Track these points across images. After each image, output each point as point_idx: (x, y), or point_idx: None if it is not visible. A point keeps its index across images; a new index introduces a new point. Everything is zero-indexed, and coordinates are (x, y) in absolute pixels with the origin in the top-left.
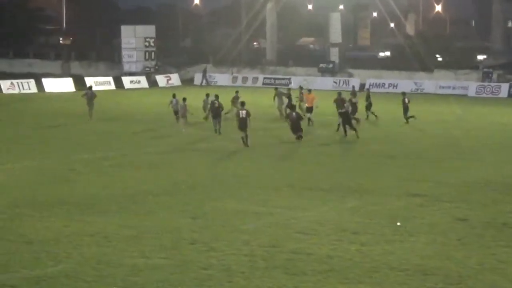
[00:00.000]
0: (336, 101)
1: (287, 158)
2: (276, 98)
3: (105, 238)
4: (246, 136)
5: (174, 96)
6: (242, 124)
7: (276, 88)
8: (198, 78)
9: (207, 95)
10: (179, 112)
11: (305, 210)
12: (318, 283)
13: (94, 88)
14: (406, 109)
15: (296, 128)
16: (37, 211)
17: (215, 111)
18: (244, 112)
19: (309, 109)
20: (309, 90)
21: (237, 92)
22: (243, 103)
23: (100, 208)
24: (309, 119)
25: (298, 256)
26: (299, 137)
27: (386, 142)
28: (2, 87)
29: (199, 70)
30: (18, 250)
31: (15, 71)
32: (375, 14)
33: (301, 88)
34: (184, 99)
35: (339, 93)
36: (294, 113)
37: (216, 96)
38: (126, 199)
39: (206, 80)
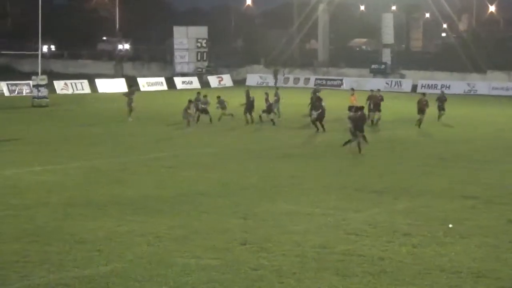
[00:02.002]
0: (311, 99)
1: (338, 159)
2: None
3: (157, 238)
4: (361, 138)
5: (198, 94)
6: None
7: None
8: (250, 79)
9: (198, 93)
10: (184, 114)
11: (357, 212)
12: (369, 285)
13: (146, 89)
14: (421, 110)
15: (357, 128)
16: (89, 210)
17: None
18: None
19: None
20: (352, 89)
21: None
22: (360, 108)
23: (151, 208)
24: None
25: (349, 257)
26: (363, 137)
27: (437, 144)
28: (56, 87)
29: (251, 71)
30: (71, 249)
31: (69, 72)
32: (427, 14)
33: (352, 90)
34: (190, 101)
35: (314, 91)
36: (359, 112)
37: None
38: (178, 200)
39: (277, 80)
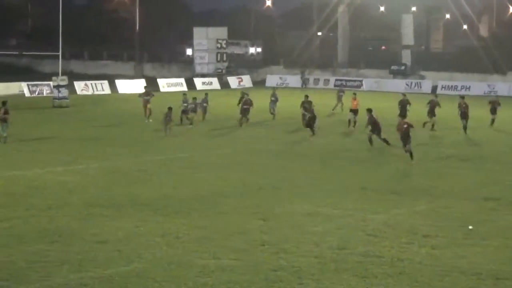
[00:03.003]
0: (303, 104)
1: (358, 160)
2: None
3: (176, 238)
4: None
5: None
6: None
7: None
8: (270, 80)
9: (185, 94)
10: (164, 120)
11: (376, 213)
12: (388, 286)
13: (166, 90)
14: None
15: (405, 139)
16: (110, 211)
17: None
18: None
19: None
20: (354, 94)
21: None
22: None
23: (171, 209)
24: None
25: (369, 258)
26: (408, 151)
27: (460, 145)
28: (76, 88)
29: (270, 72)
30: (91, 250)
31: (89, 72)
32: (448, 15)
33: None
34: (170, 108)
35: (307, 96)
36: (405, 124)
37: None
38: (197, 200)
39: (304, 82)
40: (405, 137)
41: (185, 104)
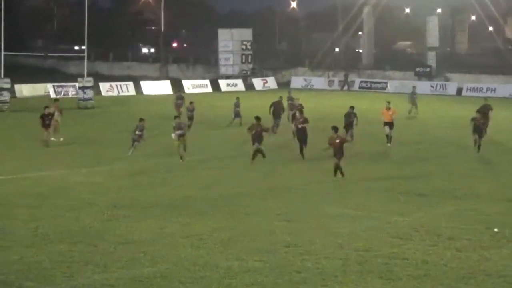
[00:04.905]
0: (273, 104)
1: (383, 162)
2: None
3: (201, 240)
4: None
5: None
6: None
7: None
8: (295, 82)
9: (237, 98)
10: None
11: (401, 215)
12: None
13: (191, 91)
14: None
15: (339, 154)
16: (134, 212)
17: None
18: None
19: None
20: (388, 102)
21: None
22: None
23: (195, 210)
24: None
25: (393, 260)
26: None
27: (485, 147)
28: (101, 89)
29: (295, 73)
30: (115, 250)
31: (114, 74)
32: (473, 17)
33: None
34: (141, 119)
35: (286, 96)
36: (338, 139)
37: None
38: (222, 202)
39: (348, 85)
40: (340, 151)
41: (238, 109)
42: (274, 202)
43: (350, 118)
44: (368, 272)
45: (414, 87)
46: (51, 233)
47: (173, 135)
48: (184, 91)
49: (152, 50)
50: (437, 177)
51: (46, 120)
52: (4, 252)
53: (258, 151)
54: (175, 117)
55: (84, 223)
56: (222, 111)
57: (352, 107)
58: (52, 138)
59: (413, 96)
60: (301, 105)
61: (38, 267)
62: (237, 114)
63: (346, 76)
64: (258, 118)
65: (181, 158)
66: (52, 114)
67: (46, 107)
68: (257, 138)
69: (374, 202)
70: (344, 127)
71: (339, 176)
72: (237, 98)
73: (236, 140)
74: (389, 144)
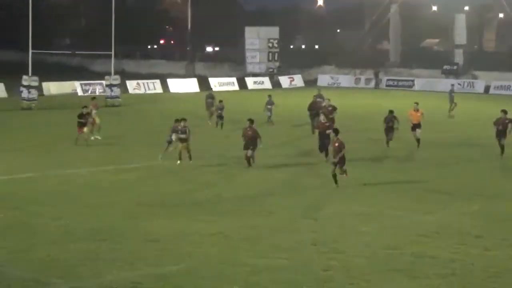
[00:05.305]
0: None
1: (409, 160)
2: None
3: (227, 238)
4: None
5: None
6: None
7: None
8: (321, 79)
9: (269, 95)
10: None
11: (427, 213)
12: (439, 287)
13: (218, 89)
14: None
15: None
16: (160, 210)
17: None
18: None
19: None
20: (416, 103)
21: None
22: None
23: (221, 208)
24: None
25: (420, 259)
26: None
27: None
28: (128, 87)
29: (321, 71)
30: (142, 248)
31: (141, 72)
32: (501, 15)
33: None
34: (183, 119)
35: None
36: (337, 143)
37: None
38: (247, 200)
39: (378, 83)
40: (341, 157)
41: (269, 107)
42: (299, 200)
43: (389, 123)
44: (395, 271)
45: (452, 85)
46: (77, 231)
47: (173, 136)
48: (212, 90)
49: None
50: (463, 175)
51: (83, 119)
52: (31, 250)
53: (250, 157)
54: (181, 120)
55: (110, 221)
56: (250, 109)
57: (391, 111)
58: (97, 137)
59: (451, 95)
60: (333, 106)
61: (65, 265)
62: (270, 112)
63: (376, 74)
64: (251, 121)
65: (179, 158)
66: (89, 113)
67: (85, 106)
68: (251, 142)
69: (399, 201)
70: (384, 130)
71: (344, 177)
72: (269, 96)
73: (266, 139)
74: (418, 148)
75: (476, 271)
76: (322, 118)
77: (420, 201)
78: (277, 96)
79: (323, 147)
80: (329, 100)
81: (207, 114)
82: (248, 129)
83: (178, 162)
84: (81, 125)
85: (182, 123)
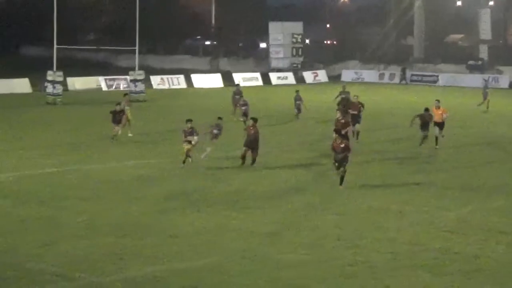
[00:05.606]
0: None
1: (432, 156)
2: None
3: (250, 233)
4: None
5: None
6: None
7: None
8: (345, 75)
9: (297, 91)
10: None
11: (451, 209)
12: (463, 283)
13: (242, 84)
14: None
15: (341, 160)
16: (184, 205)
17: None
18: None
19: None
20: (438, 101)
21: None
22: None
23: (244, 204)
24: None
25: (443, 255)
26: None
27: None
28: (152, 82)
29: (345, 66)
30: (165, 243)
31: (165, 67)
32: None
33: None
34: (220, 118)
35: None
36: (342, 144)
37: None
38: (271, 196)
39: (405, 79)
40: (343, 158)
41: (298, 102)
42: (322, 196)
43: (425, 119)
44: (418, 266)
45: (485, 80)
46: (101, 226)
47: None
48: (239, 85)
49: (206, 42)
50: (486, 171)
51: (117, 116)
52: (56, 244)
53: (245, 156)
54: (187, 121)
55: (134, 216)
56: (274, 105)
57: (427, 109)
58: (130, 134)
59: (485, 90)
60: (361, 103)
61: (90, 259)
62: (298, 108)
63: (403, 70)
64: (254, 120)
65: (183, 162)
66: (123, 111)
67: (118, 103)
68: (252, 141)
69: (421, 197)
70: (420, 127)
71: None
72: (297, 91)
73: (288, 135)
74: (437, 147)
75: (501, 267)
76: (338, 115)
77: (443, 197)
78: (302, 91)
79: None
80: (357, 97)
81: (232, 110)
82: (251, 128)
83: (182, 165)
84: (116, 122)
85: (188, 124)
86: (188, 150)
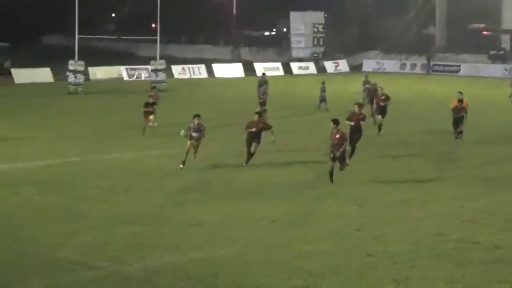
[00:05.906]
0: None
1: (452, 148)
2: None
3: (271, 223)
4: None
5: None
6: None
7: None
8: (366, 65)
9: (323, 82)
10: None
11: (472, 199)
12: (484, 273)
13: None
14: None
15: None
16: (205, 195)
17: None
18: None
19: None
20: (460, 93)
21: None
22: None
23: (266, 193)
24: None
25: (465, 245)
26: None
27: None
28: (173, 72)
29: (366, 56)
30: (186, 232)
31: (186, 57)
32: None
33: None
34: (259, 113)
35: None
36: (338, 134)
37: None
38: (292, 185)
39: (430, 68)
40: (341, 156)
41: (323, 94)
42: (344, 186)
43: (459, 113)
44: (439, 257)
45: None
46: (123, 215)
47: (182, 132)
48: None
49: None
50: (507, 162)
51: (150, 108)
52: (77, 233)
53: (251, 155)
54: (195, 116)
55: (155, 205)
56: (295, 94)
57: (460, 101)
58: (155, 124)
59: None
60: (385, 95)
61: (111, 248)
62: (323, 99)
63: (428, 59)
64: (259, 114)
65: (183, 162)
66: (155, 103)
67: (150, 96)
68: (255, 137)
69: (442, 188)
70: (453, 122)
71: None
72: (323, 82)
73: (317, 126)
74: (459, 141)
75: None
76: (356, 109)
77: (463, 187)
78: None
79: (352, 141)
80: (382, 88)
81: (258, 100)
82: (256, 123)
83: (181, 166)
84: (147, 114)
85: (196, 120)
86: (192, 147)
